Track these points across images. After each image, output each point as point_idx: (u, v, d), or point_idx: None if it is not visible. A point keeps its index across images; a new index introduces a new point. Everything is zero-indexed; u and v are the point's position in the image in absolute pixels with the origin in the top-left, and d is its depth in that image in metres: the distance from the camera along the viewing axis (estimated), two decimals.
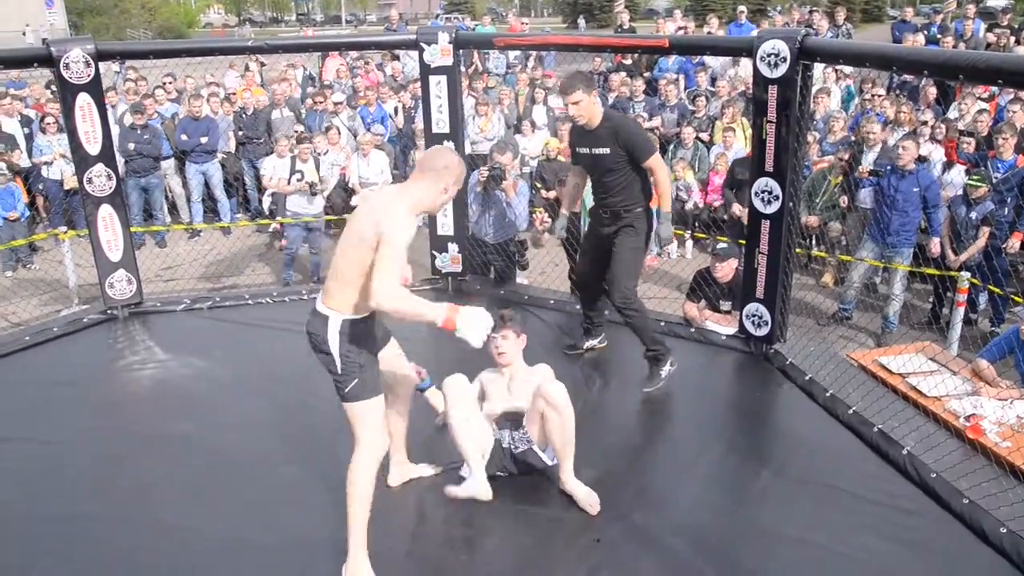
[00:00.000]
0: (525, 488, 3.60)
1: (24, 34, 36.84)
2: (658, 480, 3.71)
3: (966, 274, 6.25)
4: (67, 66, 5.04)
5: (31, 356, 5.07)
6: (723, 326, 5.18)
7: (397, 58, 12.02)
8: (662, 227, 4.43)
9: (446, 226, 5.85)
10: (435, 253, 5.95)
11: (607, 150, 4.31)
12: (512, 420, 3.66)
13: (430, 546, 3.28)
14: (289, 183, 8.16)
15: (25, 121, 9.96)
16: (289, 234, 8.08)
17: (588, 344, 4.95)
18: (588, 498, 3.45)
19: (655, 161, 4.35)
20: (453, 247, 5.88)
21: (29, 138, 9.52)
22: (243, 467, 3.81)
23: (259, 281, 7.85)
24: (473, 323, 2.88)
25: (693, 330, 5.18)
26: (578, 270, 5.19)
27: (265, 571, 3.15)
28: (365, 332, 3.05)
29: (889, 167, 6.84)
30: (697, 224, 8.62)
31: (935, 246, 6.84)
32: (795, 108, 4.37)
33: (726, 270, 5.26)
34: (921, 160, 6.86)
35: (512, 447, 3.59)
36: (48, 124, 9.05)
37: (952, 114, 8.75)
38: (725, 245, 5.47)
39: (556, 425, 3.42)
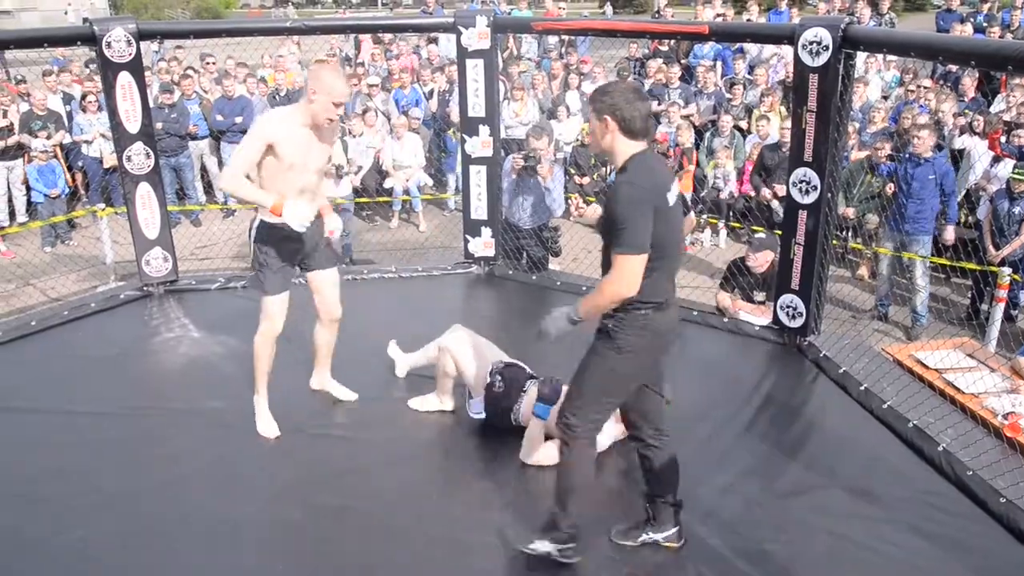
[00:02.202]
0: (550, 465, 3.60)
1: (66, 13, 37.28)
2: (688, 469, 3.65)
3: (1007, 270, 6.13)
4: (109, 45, 5.09)
5: (69, 331, 5.14)
6: (756, 316, 5.13)
7: (434, 41, 11.99)
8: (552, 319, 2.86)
9: (480, 210, 5.85)
10: (468, 237, 5.95)
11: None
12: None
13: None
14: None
15: (66, 99, 10.09)
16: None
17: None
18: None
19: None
20: (486, 231, 5.88)
21: (70, 116, 9.64)
22: (273, 445, 3.85)
23: None
24: (296, 212, 3.44)
25: (726, 320, 5.14)
26: None
27: (294, 548, 3.18)
28: (278, 236, 3.63)
29: (906, 155, 6.76)
30: (732, 213, 8.54)
31: (949, 233, 6.82)
32: (836, 97, 4.30)
33: (760, 261, 5.21)
34: (939, 148, 6.77)
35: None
36: (89, 103, 9.15)
37: (999, 106, 8.56)
38: (762, 235, 5.42)
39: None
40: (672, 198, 2.78)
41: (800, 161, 4.52)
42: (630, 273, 2.66)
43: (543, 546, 3.02)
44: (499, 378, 3.84)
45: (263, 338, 3.85)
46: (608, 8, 42.27)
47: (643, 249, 2.66)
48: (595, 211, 3.36)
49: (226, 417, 4.08)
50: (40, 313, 5.50)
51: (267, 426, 3.92)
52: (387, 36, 11.90)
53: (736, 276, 5.38)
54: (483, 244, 5.92)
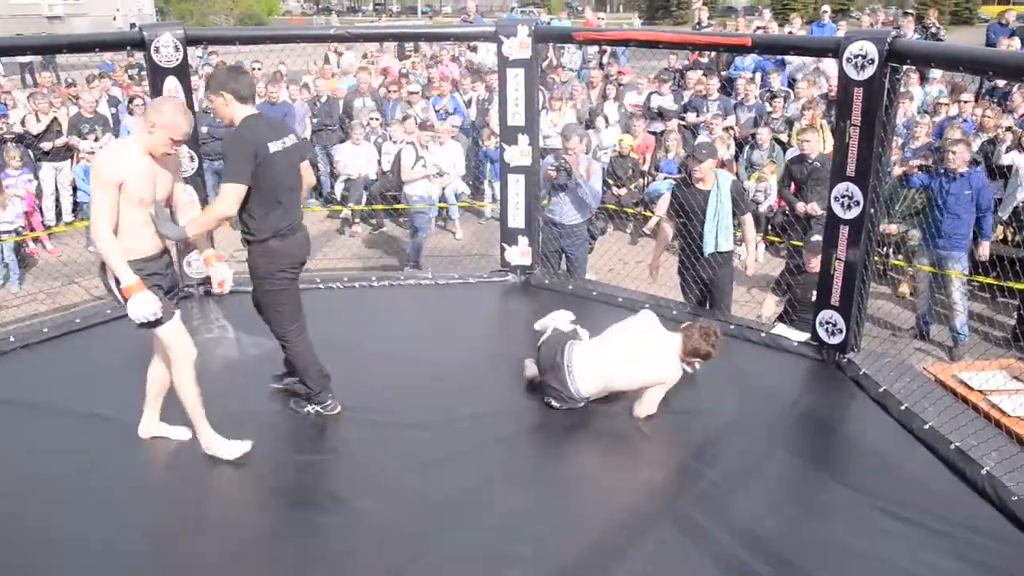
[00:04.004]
0: (589, 474, 3.60)
1: (114, 18, 38.07)
2: (722, 483, 3.65)
3: None
4: (157, 50, 5.18)
5: (111, 329, 5.21)
6: (794, 331, 5.07)
7: (474, 49, 12.06)
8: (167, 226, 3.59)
9: (517, 219, 5.86)
10: (505, 245, 5.96)
11: None
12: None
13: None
14: (412, 168, 8.18)
15: (112, 102, 10.29)
16: (418, 221, 8.08)
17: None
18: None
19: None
20: (523, 240, 5.88)
21: (115, 119, 9.83)
22: (311, 448, 3.88)
23: (330, 266, 7.97)
24: (139, 306, 3.39)
25: (763, 335, 5.08)
26: None
27: (333, 551, 3.20)
28: (144, 272, 3.45)
29: (941, 170, 6.64)
30: (771, 227, 8.45)
31: (984, 250, 6.69)
32: (881, 112, 4.25)
33: (817, 263, 5.18)
34: (975, 164, 6.65)
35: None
36: (136, 106, 9.33)
37: None
38: (818, 238, 5.39)
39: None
40: (276, 148, 3.62)
41: (843, 176, 4.46)
42: (229, 197, 3.54)
43: (309, 409, 4.10)
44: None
45: (186, 367, 3.64)
46: (636, 20, 42.24)
47: (242, 180, 3.53)
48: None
49: (263, 418, 4.12)
50: (84, 311, 5.60)
51: (231, 447, 3.74)
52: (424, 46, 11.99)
53: (788, 281, 5.39)
54: (520, 253, 5.92)
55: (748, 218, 5.66)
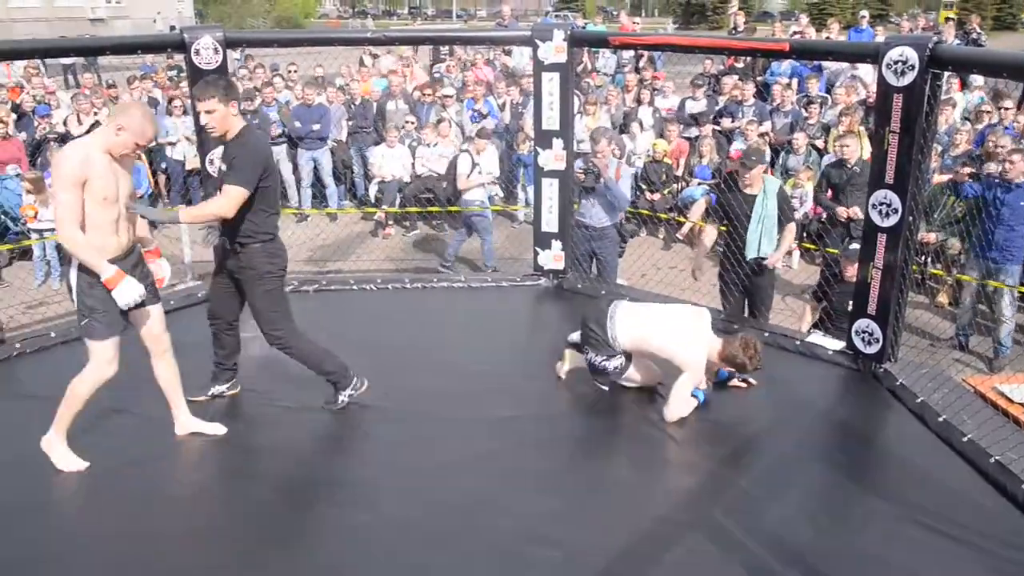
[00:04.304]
0: (618, 479, 3.58)
1: (155, 21, 38.69)
2: (754, 491, 3.61)
3: None
4: (197, 52, 5.25)
5: None
6: (829, 340, 5.01)
7: (508, 53, 12.09)
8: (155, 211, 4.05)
9: (551, 223, 5.85)
10: (538, 249, 5.96)
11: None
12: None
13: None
14: (469, 176, 8.19)
15: (152, 102, 10.45)
16: (481, 226, 8.08)
17: (216, 390, 4.34)
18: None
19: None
20: (556, 244, 5.88)
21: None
22: (338, 447, 3.90)
23: (363, 267, 8.02)
24: (126, 292, 3.46)
25: (798, 343, 5.03)
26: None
27: (358, 549, 3.22)
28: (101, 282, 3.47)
29: (996, 179, 6.52)
30: (806, 234, 8.36)
31: None
32: (921, 119, 4.19)
33: (854, 271, 5.12)
34: None
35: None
36: (175, 107, 9.47)
37: None
38: (856, 246, 5.33)
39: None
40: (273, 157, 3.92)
41: (881, 183, 4.40)
42: (232, 200, 3.69)
43: (343, 399, 4.17)
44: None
45: (90, 383, 3.61)
46: (669, 25, 42.09)
47: (249, 187, 3.70)
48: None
49: (299, 415, 4.16)
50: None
51: (72, 461, 3.70)
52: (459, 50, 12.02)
53: (825, 289, 5.34)
54: (553, 257, 5.92)
55: (792, 226, 5.64)
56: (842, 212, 7.51)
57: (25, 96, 10.54)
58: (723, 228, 5.59)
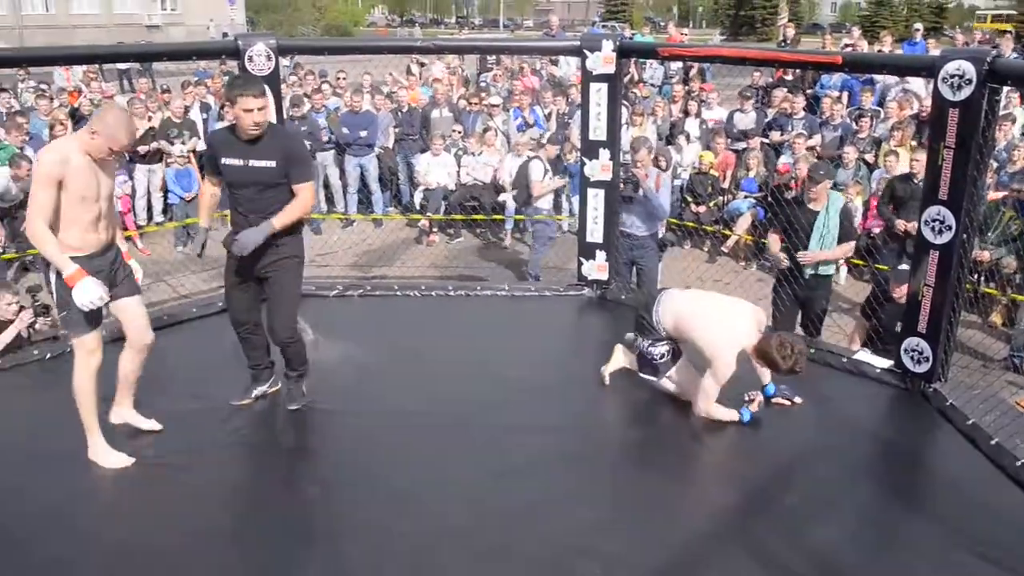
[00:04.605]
0: (659, 492, 3.56)
1: (209, 28, 39.45)
2: (798, 510, 3.56)
3: None
4: (251, 59, 5.35)
5: (196, 327, 5.40)
6: (877, 358, 4.92)
7: (555, 62, 12.10)
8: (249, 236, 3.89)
9: (595, 233, 5.84)
10: (582, 259, 5.95)
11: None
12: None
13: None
14: (543, 182, 8.18)
15: (204, 107, 10.65)
16: (549, 231, 8.08)
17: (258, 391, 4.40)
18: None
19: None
20: (600, 255, 5.86)
21: (206, 124, 10.17)
22: (379, 452, 3.93)
23: (407, 273, 8.08)
24: (85, 292, 3.46)
25: (845, 360, 4.94)
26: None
27: (400, 553, 3.23)
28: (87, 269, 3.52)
29: None
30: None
31: None
32: (978, 134, 4.10)
33: (903, 292, 5.03)
34: None
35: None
36: (228, 111, 9.62)
37: None
38: (905, 267, 5.25)
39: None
40: None
41: (934, 199, 4.32)
42: (313, 192, 4.06)
43: (302, 400, 4.26)
44: None
45: (88, 374, 3.68)
46: (716, 36, 41.75)
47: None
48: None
49: (343, 419, 4.21)
50: (171, 308, 5.81)
51: (115, 457, 3.79)
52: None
53: (874, 307, 5.25)
54: (597, 267, 5.91)
55: (850, 245, 5.56)
56: (900, 225, 7.38)
57: (83, 100, 10.80)
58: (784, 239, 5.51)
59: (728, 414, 4.15)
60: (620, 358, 4.61)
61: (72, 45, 19.16)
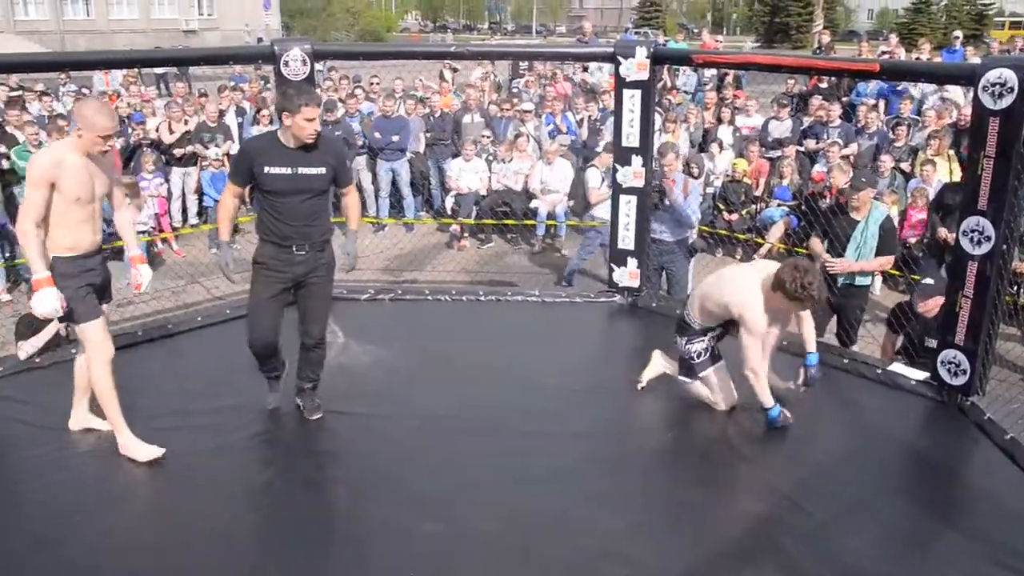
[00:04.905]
0: (688, 501, 3.53)
1: (247, 34, 39.97)
2: (830, 522, 3.51)
3: None
4: (286, 64, 5.41)
5: (229, 328, 5.43)
6: (912, 369, 4.85)
7: (587, 69, 12.09)
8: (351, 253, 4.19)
9: (627, 240, 5.82)
10: (613, 266, 5.93)
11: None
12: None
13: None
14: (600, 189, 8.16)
15: (240, 112, 10.78)
16: (595, 239, 8.07)
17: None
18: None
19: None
20: (632, 261, 5.84)
21: (242, 127, 10.30)
22: (415, 457, 3.94)
23: (438, 278, 8.10)
24: (42, 301, 3.54)
25: (879, 372, 4.87)
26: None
27: (428, 557, 3.24)
28: (75, 269, 3.66)
29: None
30: None
31: None
32: (1019, 143, 4.03)
33: (930, 306, 4.95)
34: None
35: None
36: (263, 115, 9.75)
37: None
38: (930, 281, 5.15)
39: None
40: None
41: (973, 209, 4.26)
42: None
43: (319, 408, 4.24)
44: None
45: (100, 368, 3.77)
46: (747, 44, 41.46)
47: None
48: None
49: (372, 422, 4.23)
50: (205, 310, 5.88)
51: (147, 450, 3.84)
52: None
53: (902, 320, 5.17)
54: (628, 274, 5.89)
55: (886, 260, 5.43)
56: (941, 233, 7.28)
57: (121, 103, 10.97)
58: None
59: (767, 391, 4.12)
60: (658, 364, 4.59)
61: (112, 50, 19.48)
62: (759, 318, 4.00)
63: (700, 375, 4.35)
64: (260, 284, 3.95)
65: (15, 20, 38.53)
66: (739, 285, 4.09)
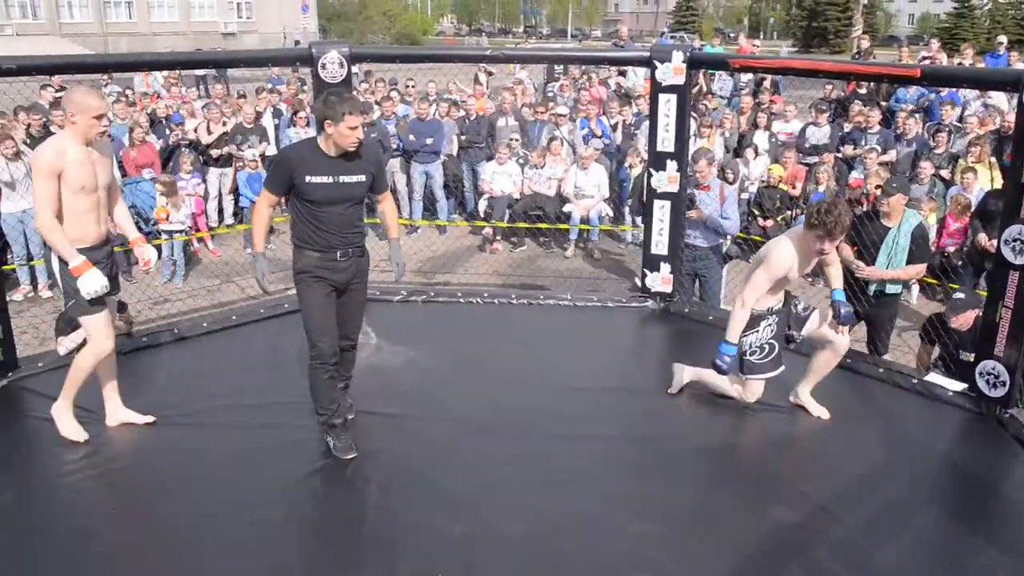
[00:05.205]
0: (719, 509, 3.50)
1: (284, 37, 40.44)
2: (863, 534, 3.46)
3: None
4: (324, 66, 5.45)
5: (263, 327, 5.52)
6: (950, 380, 4.77)
7: (623, 73, 12.07)
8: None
9: (660, 245, 5.80)
10: (646, 271, 5.91)
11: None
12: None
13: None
14: None
15: (276, 113, 10.90)
16: None
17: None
18: (818, 410, 4.32)
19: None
20: (665, 267, 5.81)
21: (278, 128, 10.41)
22: (445, 457, 3.95)
23: (470, 280, 8.12)
24: (90, 282, 3.68)
25: (915, 382, 4.80)
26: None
27: (456, 558, 3.25)
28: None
29: None
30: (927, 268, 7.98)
31: None
32: None
33: (962, 321, 4.86)
34: None
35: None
36: (300, 118, 9.85)
37: None
38: (961, 296, 5.06)
39: (825, 359, 4.29)
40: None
41: (1015, 217, 4.18)
42: None
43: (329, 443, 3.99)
44: None
45: (94, 355, 3.92)
46: (783, 49, 41.04)
47: None
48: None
49: (404, 423, 4.25)
50: (240, 309, 5.95)
51: (75, 431, 4.01)
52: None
53: (938, 331, 5.09)
54: (661, 279, 5.86)
55: (918, 268, 5.31)
56: (981, 240, 7.17)
57: (160, 105, 11.14)
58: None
59: (738, 329, 4.08)
60: (684, 375, 4.56)
61: (155, 52, 19.78)
62: (783, 259, 3.96)
63: (746, 376, 4.25)
64: (310, 289, 3.83)
65: (60, 23, 39.35)
66: (775, 242, 4.10)
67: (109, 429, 4.12)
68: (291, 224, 3.89)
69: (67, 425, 4.02)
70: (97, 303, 3.82)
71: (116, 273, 4.09)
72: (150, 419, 4.18)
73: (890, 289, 5.28)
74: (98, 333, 3.89)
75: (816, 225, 3.82)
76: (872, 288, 5.26)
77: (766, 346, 4.19)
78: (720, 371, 4.13)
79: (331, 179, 3.70)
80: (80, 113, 3.67)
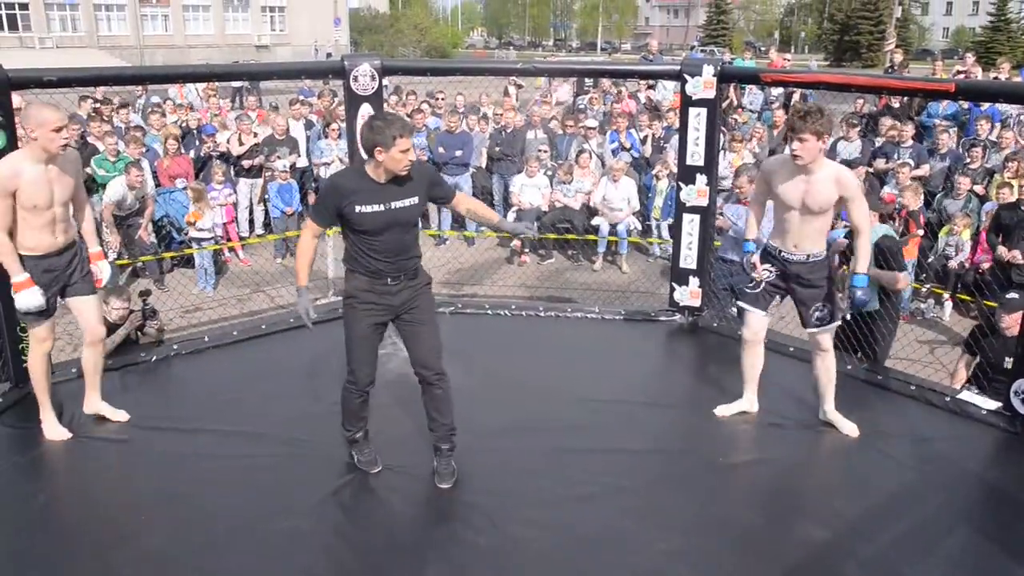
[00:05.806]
0: (746, 525, 3.46)
1: (315, 50, 40.91)
2: (892, 554, 3.41)
3: None
4: (355, 79, 5.51)
5: (293, 336, 5.56)
6: (983, 398, 4.69)
7: (653, 87, 12.06)
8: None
9: (689, 259, 5.77)
10: (675, 285, 5.88)
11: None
12: None
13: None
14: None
15: (307, 125, 10.99)
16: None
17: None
18: (848, 428, 4.28)
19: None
20: (694, 281, 5.78)
21: (309, 140, 10.51)
22: (470, 470, 3.95)
23: (498, 292, 8.14)
24: (25, 300, 3.87)
25: (948, 399, 4.73)
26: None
27: (481, 571, 3.24)
28: (37, 268, 3.91)
29: None
30: (960, 285, 7.88)
31: None
32: None
33: (1011, 322, 4.81)
34: None
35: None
36: (332, 129, 9.93)
37: None
38: (1015, 295, 5.01)
39: (822, 368, 4.28)
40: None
41: None
42: None
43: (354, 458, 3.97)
44: None
45: (40, 359, 4.15)
46: (812, 63, 40.76)
47: None
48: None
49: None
50: (269, 318, 6.01)
51: (59, 432, 4.20)
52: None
53: (980, 341, 5.05)
54: (690, 293, 5.83)
55: (901, 276, 5.28)
56: (1003, 252, 7.07)
57: (192, 116, 11.28)
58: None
59: (752, 223, 4.50)
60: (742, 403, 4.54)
61: (190, 64, 20.07)
62: (767, 162, 4.51)
63: (738, 302, 4.46)
64: (356, 319, 3.69)
65: (98, 35, 40.12)
66: None
67: (143, 432, 4.20)
68: (344, 247, 3.73)
69: (52, 429, 4.20)
70: (44, 315, 4.01)
71: (67, 284, 4.14)
72: (123, 416, 4.33)
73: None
74: (39, 339, 4.12)
75: (789, 123, 4.10)
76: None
77: (760, 284, 4.34)
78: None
79: (382, 207, 3.53)
80: (39, 127, 3.74)
